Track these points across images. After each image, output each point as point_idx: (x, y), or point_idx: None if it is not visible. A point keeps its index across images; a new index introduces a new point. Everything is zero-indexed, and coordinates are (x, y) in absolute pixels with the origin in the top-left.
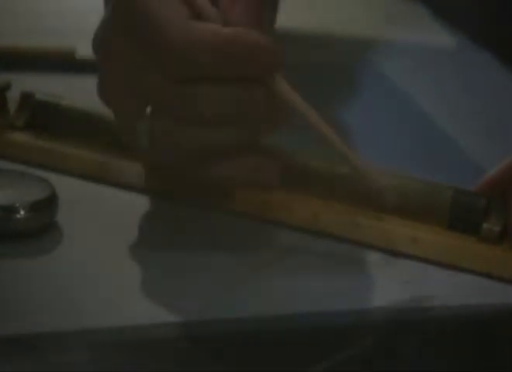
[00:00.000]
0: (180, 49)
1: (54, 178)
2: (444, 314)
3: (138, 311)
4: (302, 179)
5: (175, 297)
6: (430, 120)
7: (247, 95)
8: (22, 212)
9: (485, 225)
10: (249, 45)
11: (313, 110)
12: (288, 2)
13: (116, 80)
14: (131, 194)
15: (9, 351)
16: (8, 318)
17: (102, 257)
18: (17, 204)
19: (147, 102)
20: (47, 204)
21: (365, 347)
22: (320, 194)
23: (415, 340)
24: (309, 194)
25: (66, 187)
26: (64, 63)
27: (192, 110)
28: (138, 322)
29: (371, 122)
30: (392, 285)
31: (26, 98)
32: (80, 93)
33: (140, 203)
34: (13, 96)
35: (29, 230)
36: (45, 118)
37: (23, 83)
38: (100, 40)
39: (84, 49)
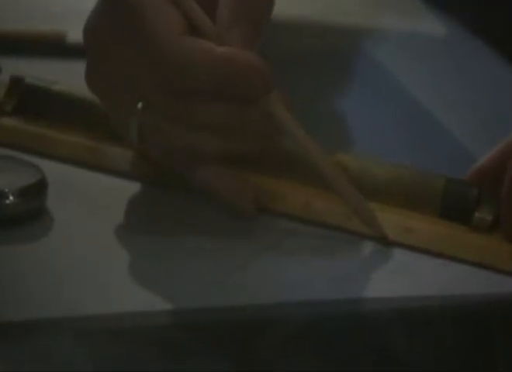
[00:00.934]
0: (173, 64)
1: (44, 164)
2: (436, 303)
3: (128, 297)
4: (296, 167)
5: (165, 283)
6: (421, 108)
7: (239, 113)
8: (11, 198)
9: (476, 215)
10: (243, 67)
11: (307, 135)
12: None
13: (105, 72)
14: (121, 179)
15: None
16: None
17: (91, 243)
18: (6, 190)
19: (138, 98)
20: (37, 190)
21: (357, 336)
22: (314, 182)
23: (407, 329)
24: (302, 182)
25: (55, 172)
26: (54, 47)
27: (183, 116)
28: (128, 309)
29: (363, 110)
30: (384, 274)
31: (16, 83)
32: (70, 77)
33: (130, 189)
34: (2, 80)
35: (19, 216)
36: (35, 102)
37: (13, 67)
38: (90, 30)
39: (75, 34)
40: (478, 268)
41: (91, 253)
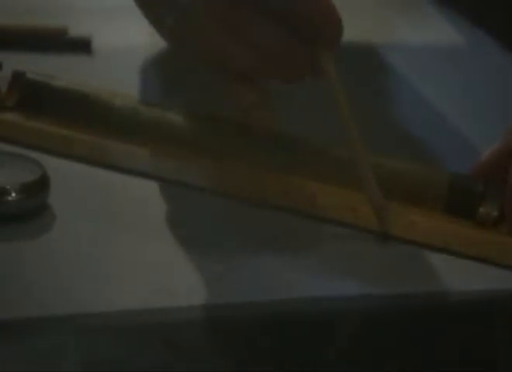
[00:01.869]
0: None
1: (45, 160)
2: (440, 299)
3: (129, 295)
4: (300, 162)
5: (166, 281)
6: (427, 104)
7: (296, 47)
8: (13, 194)
9: (481, 210)
10: (327, 8)
11: (346, 102)
12: None
13: None
14: (123, 175)
15: (1, 335)
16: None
17: (93, 239)
18: (8, 186)
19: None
20: (39, 186)
21: (361, 332)
22: (317, 177)
23: (410, 325)
24: (305, 176)
25: (57, 168)
26: (55, 42)
27: (237, 26)
28: (129, 307)
29: (370, 106)
30: (388, 269)
31: (17, 78)
32: (72, 72)
33: (132, 184)
34: (4, 76)
35: (21, 212)
36: (36, 98)
37: (14, 62)
38: None
39: (77, 29)
40: (482, 263)
41: (93, 250)
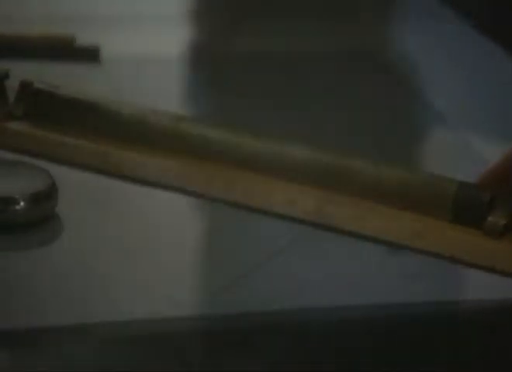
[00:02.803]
0: None
1: (54, 169)
2: (448, 308)
3: (139, 304)
4: (307, 172)
5: (177, 290)
6: (435, 112)
7: None
8: (21, 203)
9: (489, 219)
10: None
11: None
12: None
13: None
14: (132, 185)
15: (9, 345)
16: (8, 311)
17: (102, 248)
18: (16, 196)
19: None
20: (47, 195)
21: (367, 342)
22: (325, 186)
23: (419, 335)
24: (313, 185)
25: (66, 177)
26: (64, 51)
27: None
28: (139, 316)
29: (375, 114)
30: (395, 279)
31: (25, 87)
32: (80, 81)
33: (140, 194)
34: (12, 85)
35: (29, 221)
36: (44, 107)
37: (22, 71)
38: None
39: (84, 38)
40: (490, 273)
41: (102, 259)
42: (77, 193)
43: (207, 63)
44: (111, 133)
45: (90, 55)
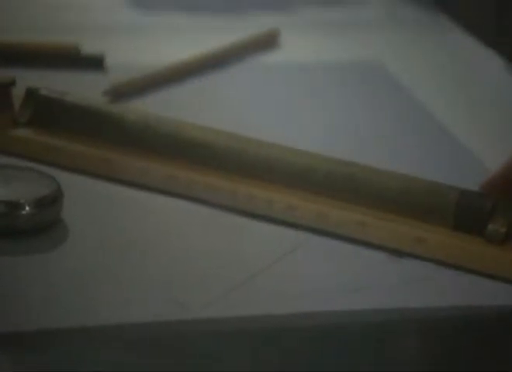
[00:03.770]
0: None
1: (59, 174)
2: (449, 315)
3: (144, 307)
4: (307, 178)
5: (180, 293)
6: (434, 119)
7: None
8: (27, 209)
9: (490, 226)
10: None
11: None
12: None
13: None
14: (135, 190)
15: (14, 348)
16: (12, 316)
17: (106, 253)
18: (22, 201)
19: None
20: (52, 201)
21: (369, 347)
22: (327, 193)
23: (420, 341)
24: (315, 192)
25: (70, 183)
26: (68, 59)
27: None
28: (142, 319)
29: (375, 121)
30: (397, 285)
31: (31, 94)
32: (85, 89)
33: (144, 199)
34: (18, 92)
35: (34, 226)
36: (50, 114)
37: (28, 79)
38: None
39: (89, 46)
40: (491, 280)
41: (106, 264)
42: (81, 198)
43: None
44: (115, 139)
45: (95, 63)
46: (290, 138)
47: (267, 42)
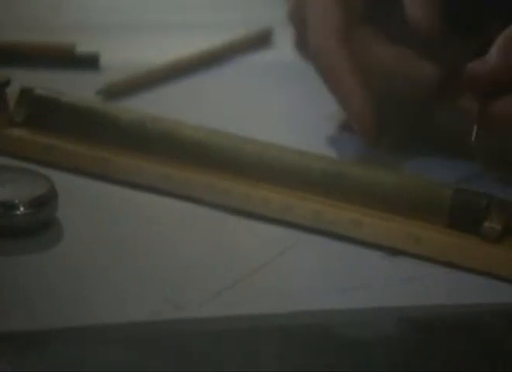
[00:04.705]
0: None
1: (54, 174)
2: (444, 313)
3: (138, 306)
4: (303, 178)
5: (174, 293)
6: None
7: None
8: (21, 208)
9: (485, 224)
10: None
11: None
12: None
13: None
14: (130, 190)
15: (11, 348)
16: (8, 315)
17: (101, 253)
18: (16, 201)
19: None
20: (47, 201)
21: (366, 346)
22: (322, 191)
23: (415, 339)
24: (310, 192)
25: (66, 183)
26: (63, 58)
27: None
28: (138, 319)
29: None
30: (392, 284)
31: (26, 94)
32: (80, 88)
33: (139, 199)
34: (13, 92)
35: (29, 226)
36: (45, 114)
37: (23, 78)
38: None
39: (84, 45)
40: (486, 278)
41: (101, 263)
42: (76, 198)
43: None
44: (110, 139)
45: (90, 62)
46: (283, 137)
47: (260, 41)
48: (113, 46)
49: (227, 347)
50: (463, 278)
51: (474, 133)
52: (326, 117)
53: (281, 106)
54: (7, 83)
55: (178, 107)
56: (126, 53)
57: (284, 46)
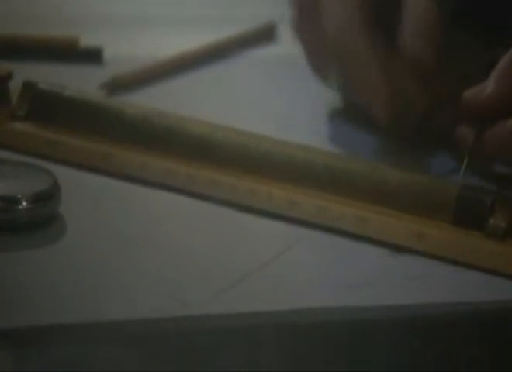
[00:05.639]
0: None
1: (56, 169)
2: (450, 310)
3: (144, 304)
4: (308, 173)
5: (178, 289)
6: None
7: None
8: (24, 203)
9: (491, 221)
10: None
11: None
12: None
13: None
14: (133, 184)
15: (13, 344)
16: (11, 311)
17: (105, 248)
18: (19, 196)
19: None
20: (50, 195)
21: (370, 343)
22: (327, 187)
23: (420, 337)
24: (315, 187)
25: (69, 177)
26: (66, 52)
27: None
28: (142, 315)
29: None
30: (397, 281)
31: (28, 88)
32: (83, 82)
33: (143, 194)
34: (15, 85)
35: (32, 221)
36: (47, 107)
37: (25, 72)
38: None
39: (87, 39)
40: (492, 275)
41: (104, 259)
42: (79, 193)
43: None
44: (113, 134)
45: (93, 56)
46: (288, 131)
47: (264, 35)
48: (117, 39)
49: (233, 344)
50: (468, 276)
51: (464, 164)
52: (330, 112)
53: (285, 100)
54: (9, 76)
55: (182, 101)
56: (130, 47)
57: (288, 41)
